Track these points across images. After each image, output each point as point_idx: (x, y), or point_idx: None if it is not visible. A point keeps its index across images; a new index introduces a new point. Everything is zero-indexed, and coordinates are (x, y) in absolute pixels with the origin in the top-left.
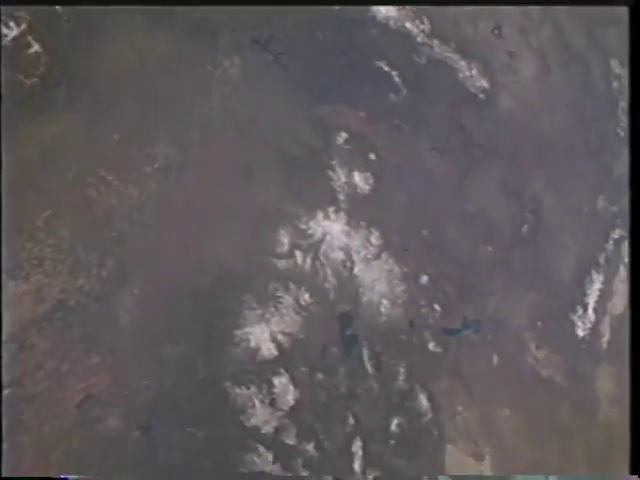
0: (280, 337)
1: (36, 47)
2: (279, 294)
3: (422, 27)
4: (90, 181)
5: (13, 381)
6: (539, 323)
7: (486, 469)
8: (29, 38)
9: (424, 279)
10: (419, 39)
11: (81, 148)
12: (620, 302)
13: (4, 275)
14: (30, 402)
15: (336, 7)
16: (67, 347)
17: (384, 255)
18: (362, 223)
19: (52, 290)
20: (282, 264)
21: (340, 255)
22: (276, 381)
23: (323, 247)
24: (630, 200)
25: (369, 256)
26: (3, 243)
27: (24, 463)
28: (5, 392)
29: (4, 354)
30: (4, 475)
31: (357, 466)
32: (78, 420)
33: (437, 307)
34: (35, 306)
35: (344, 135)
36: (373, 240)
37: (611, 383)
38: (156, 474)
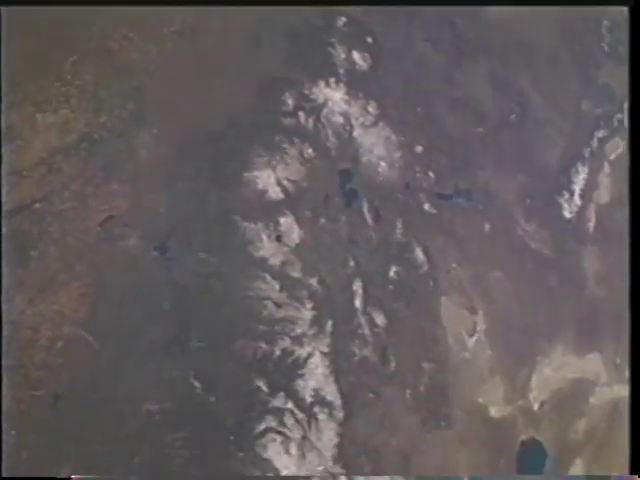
0: (285, 183)
1: None
2: (284, 146)
3: None
4: (113, 36)
5: (41, 198)
6: (528, 201)
7: (480, 322)
8: None
9: (419, 149)
10: None
11: (105, 9)
12: (605, 193)
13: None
14: (56, 217)
15: None
16: (91, 173)
17: (381, 124)
18: (360, 95)
19: (78, 124)
20: (287, 121)
21: (340, 119)
22: (282, 220)
23: (325, 111)
24: (630, 199)
25: (367, 123)
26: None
27: (49, 272)
28: (35, 206)
29: None
30: (4, 475)
31: (358, 303)
32: (100, 237)
33: (431, 174)
34: (62, 136)
35: (343, 19)
36: (371, 110)
37: (597, 263)
38: (171, 295)
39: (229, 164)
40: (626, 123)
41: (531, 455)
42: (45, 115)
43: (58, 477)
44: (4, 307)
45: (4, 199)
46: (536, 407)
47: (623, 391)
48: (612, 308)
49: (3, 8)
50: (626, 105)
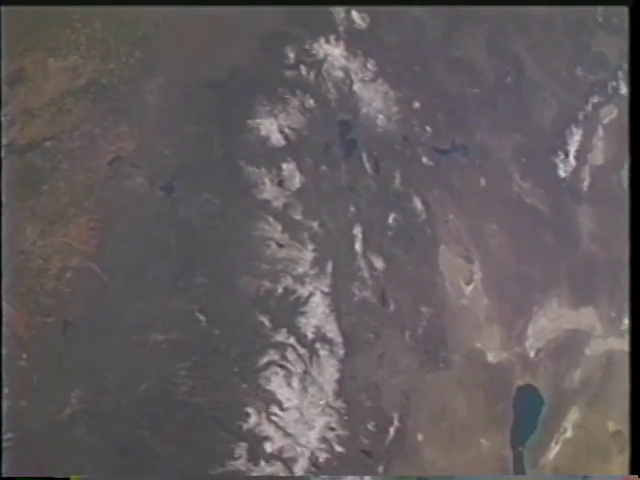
0: (287, 130)
1: None
2: (286, 96)
3: None
4: None
5: (52, 136)
6: (523, 159)
7: (476, 271)
8: None
9: (416, 105)
10: None
11: None
12: (599, 155)
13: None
14: (67, 155)
15: None
16: (99, 116)
17: (380, 80)
18: (359, 52)
19: (87, 69)
20: (289, 73)
21: (340, 74)
22: (284, 166)
23: (325, 65)
24: (630, 199)
25: (366, 78)
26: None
27: (59, 206)
28: (46, 144)
29: None
30: (4, 475)
31: (358, 247)
32: (109, 175)
33: (428, 129)
34: (72, 80)
35: None
36: (370, 66)
37: (591, 222)
38: (176, 233)
39: (232, 111)
40: (621, 91)
41: (528, 400)
42: (56, 60)
43: (58, 477)
44: (17, 237)
45: (16, 136)
46: (532, 354)
47: (617, 344)
48: (606, 265)
49: (3, 8)
50: (620, 74)
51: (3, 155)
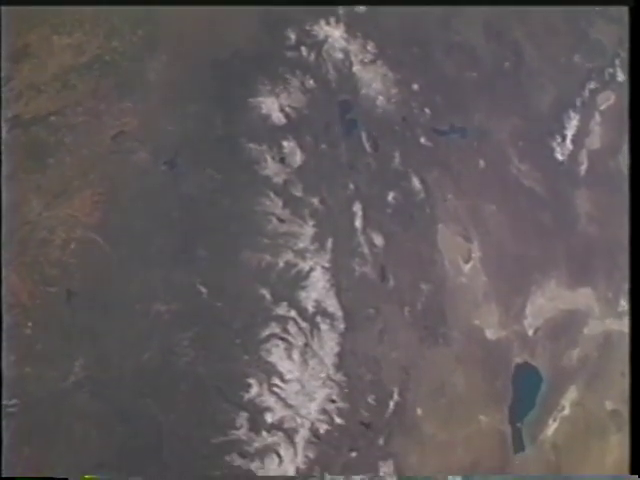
0: (288, 109)
1: None
2: (287, 76)
3: None
4: None
5: (57, 111)
6: (520, 143)
7: (475, 250)
8: None
9: (415, 86)
10: None
11: None
12: (596, 140)
13: None
14: (71, 129)
15: None
16: (103, 92)
17: (379, 62)
18: (359, 34)
19: (91, 46)
20: (290, 54)
21: (340, 55)
22: (285, 144)
23: (325, 46)
24: (630, 199)
25: (366, 60)
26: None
27: (64, 179)
28: (51, 118)
29: None
30: (4, 475)
31: (358, 224)
32: (113, 149)
33: (427, 110)
34: (76, 57)
35: None
36: (369, 48)
37: (589, 204)
38: (179, 207)
39: (234, 90)
40: (618, 78)
41: (526, 378)
42: (60, 37)
43: (58, 477)
44: (22, 209)
45: (22, 110)
46: (530, 333)
47: (615, 325)
48: (604, 247)
49: (3, 8)
50: (617, 61)
51: (8, 129)
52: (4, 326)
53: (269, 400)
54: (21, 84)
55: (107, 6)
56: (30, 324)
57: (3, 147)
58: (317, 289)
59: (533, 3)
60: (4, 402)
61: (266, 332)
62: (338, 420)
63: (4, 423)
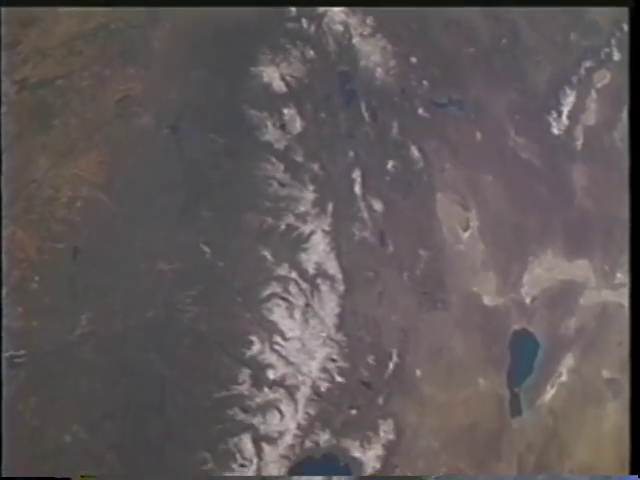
0: (289, 78)
1: None
2: (288, 47)
3: None
4: None
5: (63, 75)
6: (517, 116)
7: (473, 219)
8: None
9: (413, 60)
10: None
11: None
12: (592, 116)
13: None
14: (77, 93)
15: None
16: (108, 58)
17: (378, 35)
18: (357, 10)
19: (96, 14)
20: (290, 25)
21: (340, 28)
22: (285, 111)
23: (325, 19)
24: (630, 199)
25: (365, 33)
26: None
27: (70, 140)
28: (57, 82)
29: None
30: (4, 475)
31: (357, 190)
32: (117, 113)
33: (425, 83)
34: (82, 24)
35: None
36: (368, 22)
37: (585, 178)
38: (182, 169)
39: (236, 59)
40: (614, 57)
41: (524, 344)
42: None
43: (58, 477)
44: (29, 167)
45: (29, 73)
46: (528, 301)
47: (611, 296)
48: (600, 220)
49: (3, 8)
50: (613, 41)
51: (16, 90)
52: (12, 279)
53: (271, 357)
54: (28, 48)
55: (107, 6)
56: (37, 278)
57: (10, 108)
58: (318, 252)
59: (533, 3)
60: (12, 352)
61: (267, 292)
62: (338, 379)
63: (11, 372)
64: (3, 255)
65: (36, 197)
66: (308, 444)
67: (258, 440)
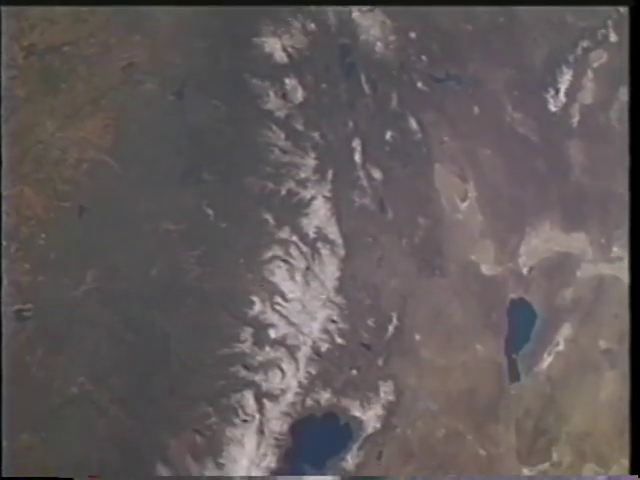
0: (290, 50)
1: None
2: (289, 19)
3: None
4: None
5: (70, 42)
6: (515, 92)
7: (471, 190)
8: None
9: (412, 35)
10: None
11: None
12: (589, 95)
13: None
14: (83, 59)
15: None
16: (114, 27)
17: (377, 10)
18: None
19: None
20: None
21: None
22: (287, 81)
23: None
24: (630, 198)
25: (364, 8)
26: None
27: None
28: (64, 48)
29: None
30: (4, 475)
31: (357, 158)
32: (122, 79)
33: (424, 58)
34: None
35: None
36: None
37: (582, 155)
38: (186, 134)
39: (238, 29)
40: (610, 38)
41: (521, 313)
42: None
43: (59, 477)
44: (35, 129)
45: (36, 40)
46: (525, 271)
47: (608, 269)
48: (597, 195)
49: (3, 8)
50: (610, 22)
51: (24, 55)
52: (19, 236)
53: (272, 317)
54: (36, 15)
55: (107, 6)
56: (44, 235)
57: (18, 72)
58: (318, 216)
59: (533, 3)
60: (20, 306)
61: (269, 254)
62: (339, 340)
63: (19, 325)
64: (11, 212)
65: (43, 157)
66: (309, 402)
67: (260, 397)
